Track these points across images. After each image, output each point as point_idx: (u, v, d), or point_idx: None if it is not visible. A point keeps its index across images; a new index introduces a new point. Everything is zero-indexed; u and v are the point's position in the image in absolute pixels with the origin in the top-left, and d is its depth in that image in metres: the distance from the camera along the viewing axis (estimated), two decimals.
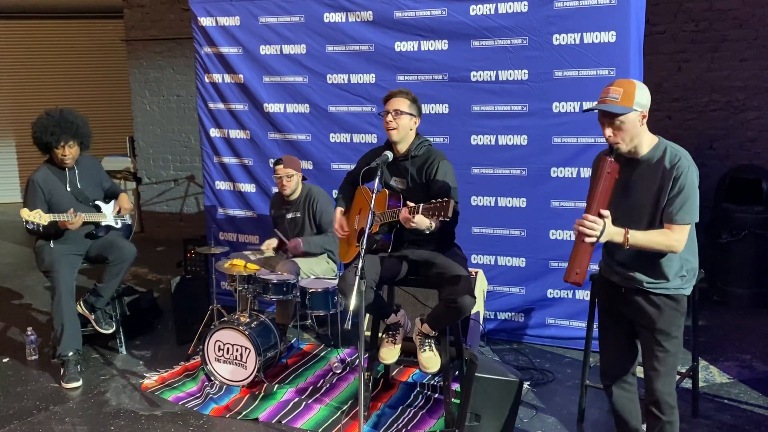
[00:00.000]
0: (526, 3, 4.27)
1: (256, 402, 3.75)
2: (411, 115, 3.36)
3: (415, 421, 3.53)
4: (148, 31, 7.79)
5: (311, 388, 3.87)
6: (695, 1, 5.62)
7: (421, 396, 3.80)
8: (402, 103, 3.35)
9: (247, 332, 3.85)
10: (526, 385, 3.85)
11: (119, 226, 4.45)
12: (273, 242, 4.61)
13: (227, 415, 3.63)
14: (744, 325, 4.93)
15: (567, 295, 4.46)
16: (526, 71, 4.34)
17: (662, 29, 5.73)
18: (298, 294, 4.20)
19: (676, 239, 2.49)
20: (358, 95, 4.84)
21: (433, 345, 3.39)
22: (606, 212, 2.49)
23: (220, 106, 5.30)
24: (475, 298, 3.19)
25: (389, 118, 3.35)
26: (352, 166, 3.78)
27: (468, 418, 3.13)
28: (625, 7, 4.03)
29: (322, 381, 3.98)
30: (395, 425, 3.48)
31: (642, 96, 2.50)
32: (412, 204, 3.07)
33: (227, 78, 5.23)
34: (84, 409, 3.76)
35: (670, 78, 5.78)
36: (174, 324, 4.90)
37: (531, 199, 4.46)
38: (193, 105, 7.19)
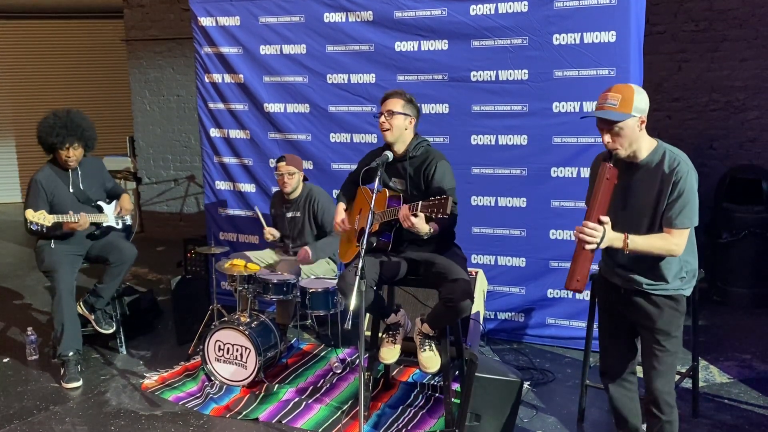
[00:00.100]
0: (526, 3, 4.27)
1: (257, 402, 3.75)
2: (405, 115, 3.36)
3: (416, 421, 3.53)
4: (148, 31, 7.79)
5: (311, 387, 3.87)
6: (695, 0, 5.62)
7: (421, 396, 3.80)
8: (396, 104, 3.36)
9: (247, 332, 3.86)
10: (526, 385, 3.85)
11: (120, 226, 4.44)
12: (275, 231, 4.61)
13: (227, 415, 3.63)
14: (744, 325, 4.93)
15: (567, 295, 4.46)
16: (526, 71, 4.34)
17: (662, 29, 5.73)
18: (299, 294, 4.20)
19: (676, 243, 2.49)
20: (358, 95, 4.84)
21: (433, 345, 3.39)
22: (606, 218, 2.48)
23: (220, 106, 5.30)
24: (473, 298, 3.20)
25: (382, 119, 3.36)
26: (353, 166, 3.78)
27: (468, 418, 3.12)
28: (625, 6, 4.03)
29: (322, 381, 3.98)
30: (395, 425, 3.48)
31: (640, 101, 2.49)
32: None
33: (227, 78, 5.23)
34: (84, 409, 3.76)
35: (670, 78, 5.78)
36: (174, 324, 4.90)
37: (531, 199, 4.46)
38: (193, 105, 7.20)
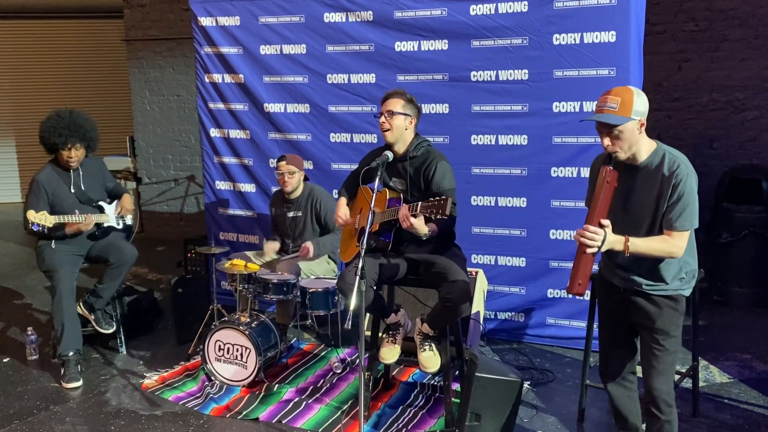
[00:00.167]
0: (526, 3, 4.27)
1: (257, 402, 3.75)
2: (405, 115, 3.35)
3: (416, 420, 3.53)
4: (148, 30, 7.79)
5: (311, 387, 3.87)
6: (695, 0, 5.62)
7: (421, 396, 3.80)
8: (396, 104, 3.35)
9: (247, 332, 3.86)
10: (526, 384, 3.85)
11: (121, 227, 4.44)
12: (275, 245, 4.62)
13: (227, 415, 3.63)
14: (744, 324, 4.93)
15: (567, 294, 4.45)
16: (527, 71, 4.34)
17: (662, 29, 5.73)
18: (299, 294, 4.20)
19: (676, 245, 2.50)
20: (358, 95, 4.84)
21: (433, 345, 3.39)
22: (606, 222, 2.49)
23: (220, 106, 5.30)
24: (472, 299, 3.20)
25: (382, 119, 3.35)
26: (353, 166, 3.78)
27: (468, 418, 3.13)
28: (625, 6, 4.03)
29: (322, 381, 3.98)
30: (395, 425, 3.48)
31: (640, 104, 2.49)
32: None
33: (227, 78, 5.23)
34: (84, 408, 3.76)
35: (670, 77, 5.78)
36: (174, 324, 4.90)
37: (531, 199, 4.46)
38: (193, 105, 7.20)
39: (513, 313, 4.64)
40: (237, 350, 3.91)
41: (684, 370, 3.60)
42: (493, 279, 4.59)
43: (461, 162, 4.41)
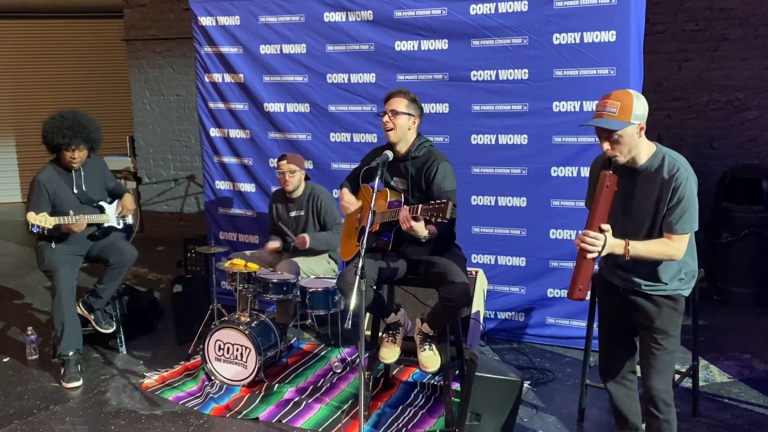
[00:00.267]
0: (526, 2, 4.27)
1: (257, 401, 3.75)
2: (409, 114, 3.35)
3: (416, 420, 3.53)
4: (148, 30, 7.79)
5: (311, 387, 3.87)
6: (695, 0, 5.62)
7: (421, 395, 3.80)
8: (399, 104, 3.35)
9: (247, 332, 3.85)
10: (526, 384, 3.85)
11: (121, 227, 4.44)
12: (276, 244, 4.61)
13: (227, 415, 3.63)
14: (744, 324, 4.93)
15: (567, 294, 4.46)
16: (527, 70, 4.34)
17: (662, 28, 5.73)
18: (299, 293, 4.20)
19: (676, 248, 2.50)
20: (358, 95, 4.84)
21: (433, 344, 3.39)
22: (606, 226, 2.49)
23: (220, 105, 5.30)
24: (472, 299, 3.19)
25: (386, 118, 3.34)
26: (353, 166, 3.78)
27: (468, 418, 3.12)
28: (625, 6, 4.03)
29: (322, 380, 3.98)
30: (395, 424, 3.48)
31: (639, 108, 2.48)
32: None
33: (227, 77, 5.23)
34: (84, 408, 3.76)
35: (670, 77, 5.78)
36: (174, 323, 4.90)
37: (531, 199, 4.46)
38: (193, 104, 7.19)
39: (513, 313, 4.64)
40: (237, 350, 3.91)
41: (684, 370, 3.59)
42: (493, 279, 4.59)
43: (461, 162, 4.40)
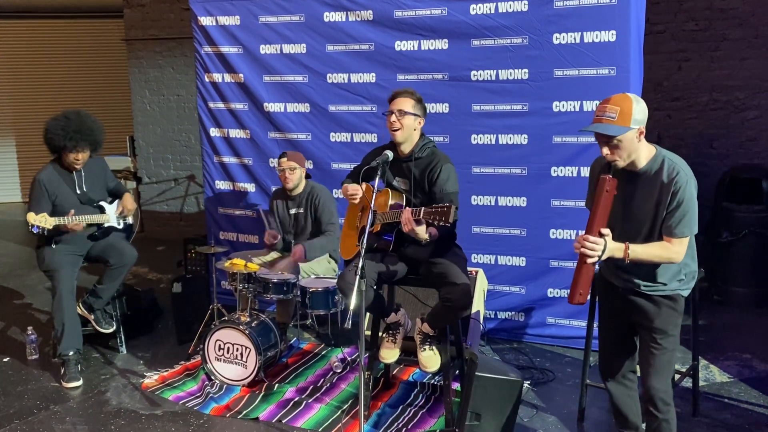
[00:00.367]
0: (526, 2, 4.27)
1: (257, 401, 3.75)
2: (415, 115, 3.35)
3: (416, 420, 3.53)
4: (148, 30, 7.79)
5: (311, 387, 3.87)
6: (695, 0, 5.62)
7: (421, 395, 3.80)
8: (406, 104, 3.34)
9: (247, 331, 3.85)
10: (526, 384, 3.85)
11: (122, 227, 4.44)
12: (275, 233, 4.60)
13: (227, 415, 3.63)
14: (744, 324, 4.93)
15: (567, 294, 4.46)
16: (527, 70, 4.34)
17: (662, 28, 5.73)
18: (299, 293, 4.19)
19: (676, 251, 2.51)
20: (358, 94, 4.84)
21: (433, 344, 3.39)
22: (606, 231, 2.49)
23: (220, 105, 5.30)
24: (472, 299, 3.19)
25: (393, 118, 3.33)
26: (353, 166, 3.77)
27: (468, 418, 3.12)
28: (625, 6, 4.03)
29: (322, 380, 3.98)
30: (395, 424, 3.48)
31: (639, 112, 2.48)
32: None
33: (227, 77, 5.23)
34: (84, 408, 3.76)
35: (670, 77, 5.78)
36: (174, 323, 4.90)
37: (531, 199, 4.46)
38: (193, 104, 7.19)
39: (513, 313, 4.64)
40: (237, 350, 3.91)
41: (684, 370, 3.60)
42: (493, 278, 4.59)
43: (461, 161, 4.39)
